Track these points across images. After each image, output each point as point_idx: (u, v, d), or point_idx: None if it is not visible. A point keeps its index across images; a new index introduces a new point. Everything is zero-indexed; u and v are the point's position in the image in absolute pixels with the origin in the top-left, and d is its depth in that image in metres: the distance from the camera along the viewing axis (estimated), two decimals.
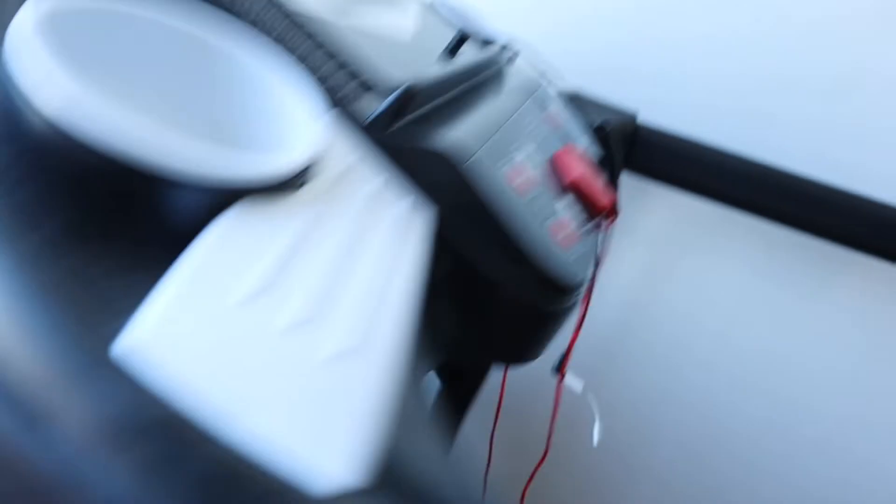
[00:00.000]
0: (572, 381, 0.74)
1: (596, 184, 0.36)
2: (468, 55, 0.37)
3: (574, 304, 0.30)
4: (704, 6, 0.68)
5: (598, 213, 0.36)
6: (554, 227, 0.29)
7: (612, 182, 0.48)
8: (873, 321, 0.74)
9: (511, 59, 0.44)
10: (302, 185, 0.21)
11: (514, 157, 0.31)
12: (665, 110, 0.70)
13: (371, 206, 0.22)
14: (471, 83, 0.35)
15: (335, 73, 0.26)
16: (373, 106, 0.26)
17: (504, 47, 0.44)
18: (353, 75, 0.27)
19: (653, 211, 0.77)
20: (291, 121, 0.22)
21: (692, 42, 0.69)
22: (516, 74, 0.43)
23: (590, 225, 0.35)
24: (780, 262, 0.75)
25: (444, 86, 0.31)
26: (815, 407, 0.78)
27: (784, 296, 0.76)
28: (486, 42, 0.43)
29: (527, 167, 0.31)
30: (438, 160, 0.26)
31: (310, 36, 0.27)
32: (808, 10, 0.66)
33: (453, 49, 0.41)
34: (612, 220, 0.44)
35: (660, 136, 0.63)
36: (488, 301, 0.27)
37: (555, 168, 0.35)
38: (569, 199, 0.35)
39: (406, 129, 0.27)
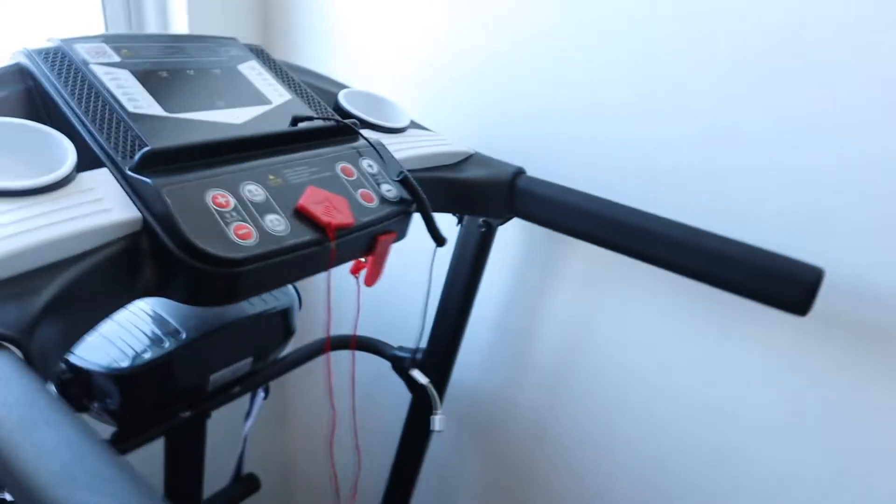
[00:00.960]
0: (419, 375, 0.87)
1: (319, 211, 0.54)
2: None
3: (245, 272, 0.49)
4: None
5: (324, 229, 0.54)
6: (237, 227, 0.49)
7: (427, 218, 0.64)
8: (777, 360, 0.75)
9: (339, 131, 0.65)
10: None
11: (235, 188, 0.51)
12: (560, 171, 0.82)
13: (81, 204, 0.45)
14: (252, 144, 0.57)
15: (118, 143, 0.51)
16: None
17: (341, 124, 0.65)
18: (126, 144, 0.51)
19: (577, 252, 0.87)
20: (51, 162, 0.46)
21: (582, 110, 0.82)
22: (337, 143, 0.64)
23: (314, 234, 0.54)
24: (686, 303, 0.79)
25: (203, 149, 0.53)
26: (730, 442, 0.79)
27: (688, 335, 0.80)
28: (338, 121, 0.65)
29: (240, 195, 0.51)
30: (149, 187, 0.48)
31: (109, 121, 0.52)
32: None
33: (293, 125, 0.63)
34: (384, 240, 0.61)
35: (540, 185, 0.76)
36: (178, 264, 0.48)
37: (300, 198, 0.55)
38: (299, 217, 0.54)
39: (154, 172, 0.49)
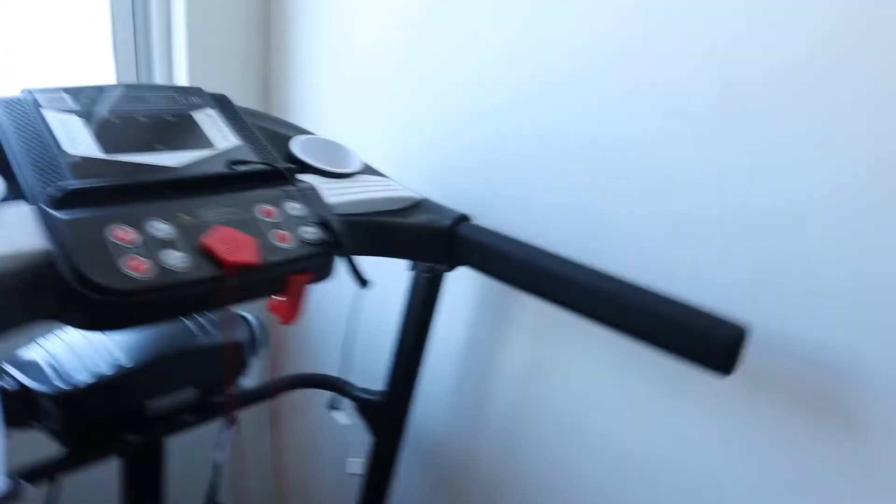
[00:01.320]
0: (341, 416, 0.87)
1: (221, 249, 0.57)
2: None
3: (134, 302, 0.52)
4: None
5: (224, 267, 0.57)
6: (132, 260, 0.53)
7: (350, 261, 0.66)
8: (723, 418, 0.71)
9: (272, 175, 0.68)
10: None
11: (140, 224, 0.56)
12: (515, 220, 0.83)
13: None
14: (171, 184, 0.61)
15: (46, 180, 0.56)
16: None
17: (271, 168, 0.69)
18: (53, 181, 0.56)
19: (530, 300, 0.86)
20: None
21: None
22: (269, 186, 0.67)
23: (213, 271, 0.57)
24: (638, 354, 0.77)
25: (117, 188, 0.58)
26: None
27: (640, 385, 0.77)
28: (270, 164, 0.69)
29: (144, 230, 0.55)
30: (54, 220, 0.53)
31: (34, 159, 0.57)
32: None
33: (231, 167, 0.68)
34: (298, 281, 0.63)
35: (479, 233, 0.76)
36: (72, 292, 0.52)
37: (205, 236, 0.59)
38: (202, 254, 0.57)
39: (65, 207, 0.54)
